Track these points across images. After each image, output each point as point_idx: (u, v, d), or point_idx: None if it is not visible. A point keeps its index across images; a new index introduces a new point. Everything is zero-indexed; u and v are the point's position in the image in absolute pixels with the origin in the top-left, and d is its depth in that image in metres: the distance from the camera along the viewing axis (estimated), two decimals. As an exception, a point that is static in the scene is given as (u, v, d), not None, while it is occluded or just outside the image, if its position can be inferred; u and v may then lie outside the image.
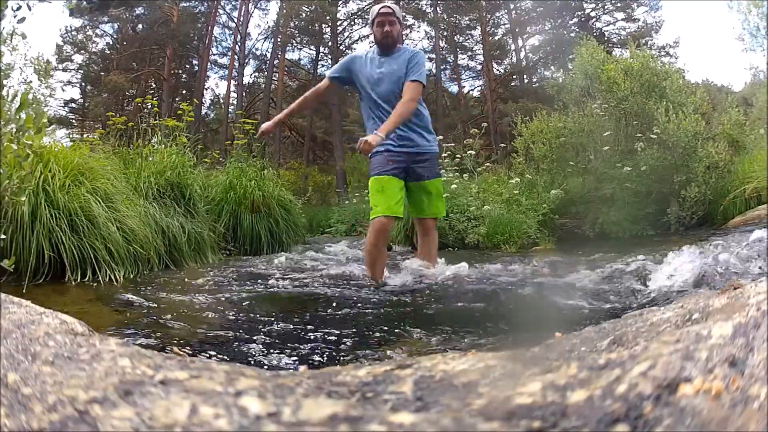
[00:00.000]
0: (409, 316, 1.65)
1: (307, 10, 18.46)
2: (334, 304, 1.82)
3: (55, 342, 0.57)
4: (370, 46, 2.71)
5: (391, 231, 2.53)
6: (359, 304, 1.83)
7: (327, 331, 1.47)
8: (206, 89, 19.80)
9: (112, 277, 2.24)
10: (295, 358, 1.19)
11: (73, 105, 19.84)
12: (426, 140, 2.51)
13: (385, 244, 2.43)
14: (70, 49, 19.02)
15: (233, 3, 19.36)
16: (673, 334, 0.47)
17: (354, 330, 1.48)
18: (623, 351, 0.49)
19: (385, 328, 1.50)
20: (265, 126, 2.72)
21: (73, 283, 2.12)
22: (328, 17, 18.55)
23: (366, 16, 17.46)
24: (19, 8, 1.77)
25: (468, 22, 19.90)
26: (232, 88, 19.52)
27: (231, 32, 19.57)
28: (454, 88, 20.82)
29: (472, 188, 5.25)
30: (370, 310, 1.74)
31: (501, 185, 5.57)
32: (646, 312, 0.73)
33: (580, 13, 18.95)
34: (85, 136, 15.20)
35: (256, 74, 21.04)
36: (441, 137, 6.86)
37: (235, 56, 19.13)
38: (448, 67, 20.60)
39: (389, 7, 2.49)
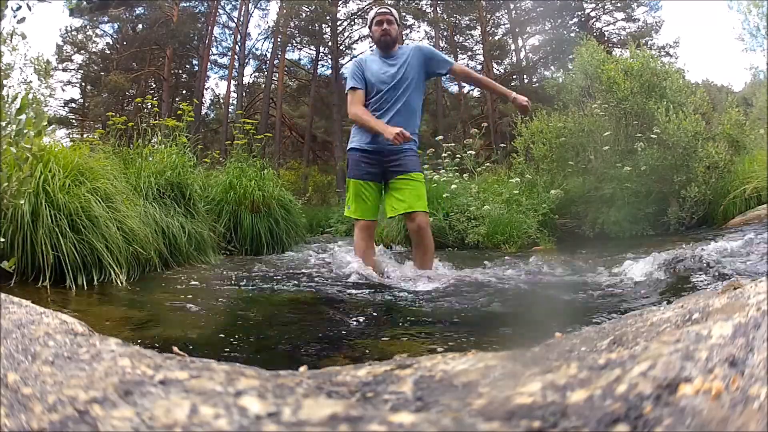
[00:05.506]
0: (409, 316, 1.65)
1: (307, 10, 18.46)
2: (334, 304, 1.82)
3: (55, 342, 0.57)
4: (370, 47, 2.76)
5: (375, 229, 2.71)
6: (359, 304, 1.83)
7: (326, 330, 1.47)
8: (206, 89, 19.83)
9: (113, 278, 2.24)
10: (295, 358, 1.18)
11: (73, 105, 19.86)
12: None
13: (370, 239, 2.61)
14: (70, 49, 19.04)
15: (233, 3, 19.38)
16: (673, 334, 0.47)
17: (353, 330, 1.48)
18: (623, 351, 0.49)
19: (385, 327, 1.50)
20: (402, 131, 2.35)
21: (74, 283, 2.12)
22: (328, 17, 18.55)
23: (366, 16, 17.47)
24: (19, 8, 1.78)
25: (468, 22, 19.90)
26: (232, 88, 19.53)
27: (231, 32, 19.60)
28: (454, 88, 20.79)
29: (472, 188, 5.24)
30: (369, 310, 1.74)
31: (501, 185, 5.57)
32: (646, 312, 0.73)
33: (580, 13, 18.94)
34: (85, 136, 15.25)
35: (256, 74, 21.07)
36: (441, 137, 6.88)
37: (235, 56, 19.13)
38: (448, 67, 20.56)
39: (387, 8, 2.64)
